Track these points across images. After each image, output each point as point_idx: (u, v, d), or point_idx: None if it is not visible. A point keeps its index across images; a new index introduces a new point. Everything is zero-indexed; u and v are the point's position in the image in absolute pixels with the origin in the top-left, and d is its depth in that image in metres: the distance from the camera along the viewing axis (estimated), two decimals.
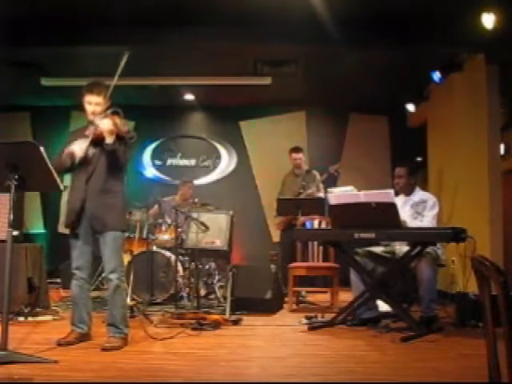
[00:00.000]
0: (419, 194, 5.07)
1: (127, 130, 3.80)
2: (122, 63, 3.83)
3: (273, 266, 5.78)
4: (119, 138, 3.74)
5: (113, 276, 3.85)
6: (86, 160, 3.83)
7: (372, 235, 4.43)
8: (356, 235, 4.50)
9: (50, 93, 7.93)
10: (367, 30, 5.80)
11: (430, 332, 4.31)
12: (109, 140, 3.68)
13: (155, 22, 5.81)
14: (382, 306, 4.95)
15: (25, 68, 6.87)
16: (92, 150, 3.85)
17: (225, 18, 5.69)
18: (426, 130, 7.82)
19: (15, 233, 3.58)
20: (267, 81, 7.45)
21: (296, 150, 7.09)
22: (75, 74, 6.65)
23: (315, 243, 6.12)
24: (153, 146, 9.23)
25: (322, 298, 6.37)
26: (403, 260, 4.62)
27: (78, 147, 3.77)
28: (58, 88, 7.49)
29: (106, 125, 3.66)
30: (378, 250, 4.98)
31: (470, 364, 3.35)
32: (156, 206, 6.80)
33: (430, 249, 4.51)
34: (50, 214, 8.90)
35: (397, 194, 4.95)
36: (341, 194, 4.98)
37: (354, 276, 4.91)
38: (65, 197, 6.73)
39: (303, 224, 6.36)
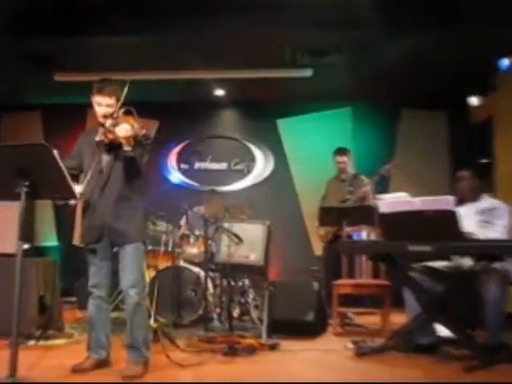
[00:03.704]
0: (487, 201, 4.97)
1: (144, 134, 3.76)
2: (125, 92, 3.86)
3: (315, 283, 5.76)
4: (136, 141, 3.75)
5: (133, 292, 3.87)
6: (99, 169, 3.87)
7: (428, 248, 4.36)
8: (410, 248, 4.44)
9: (63, 89, 8.04)
10: (421, 11, 5.73)
11: (497, 362, 4.22)
12: (127, 147, 3.70)
13: (180, 9, 5.85)
14: (442, 331, 4.87)
15: (35, 62, 6.96)
16: (106, 157, 3.89)
17: (258, 2, 5.70)
18: (491, 126, 7.68)
19: (26, 246, 3.63)
20: (308, 73, 7.44)
21: (340, 152, 7.04)
22: (92, 68, 6.73)
23: (363, 257, 6.07)
24: (179, 148, 9.28)
25: (371, 320, 6.30)
26: (466, 277, 4.54)
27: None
28: (73, 84, 7.58)
29: (123, 131, 3.65)
30: (438, 265, 4.90)
31: None
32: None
33: (497, 264, 4.42)
34: (64, 224, 8.97)
35: (461, 201, 4.87)
36: (393, 201, 4.93)
37: (408, 295, 4.84)
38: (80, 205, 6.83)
39: (349, 235, 6.31)
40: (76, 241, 7.99)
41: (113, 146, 3.83)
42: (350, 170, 7.08)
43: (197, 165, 9.29)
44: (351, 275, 6.13)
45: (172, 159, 9.28)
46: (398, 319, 5.38)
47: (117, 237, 3.89)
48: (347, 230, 6.24)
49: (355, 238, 6.37)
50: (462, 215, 4.36)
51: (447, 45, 6.54)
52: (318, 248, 8.09)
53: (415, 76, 7.44)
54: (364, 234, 6.26)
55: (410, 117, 8.94)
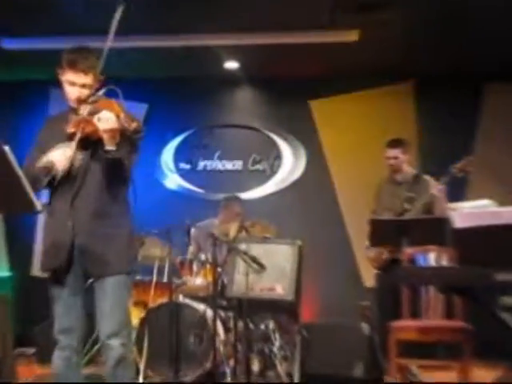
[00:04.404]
0: None
1: (136, 127, 3.65)
2: (116, 19, 3.81)
3: (365, 326, 5.77)
4: (123, 136, 3.66)
5: (115, 342, 3.82)
6: (69, 171, 3.82)
7: None
8: (498, 277, 4.37)
9: (15, 61, 8.11)
10: None
11: None
12: (110, 146, 3.62)
13: None
14: None
15: None
16: (79, 156, 3.84)
17: None
18: None
19: None
20: (353, 36, 7.41)
21: (392, 144, 6.96)
22: (53, 32, 6.75)
23: (431, 289, 6.01)
24: (177, 141, 9.36)
25: (444, 376, 6.24)
26: None
27: (60, 155, 3.73)
28: (28, 53, 7.63)
29: (105, 123, 3.57)
30: None
31: None
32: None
33: None
34: (18, 249, 8.98)
35: None
36: (472, 211, 4.87)
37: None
38: (41, 222, 6.83)
39: (411, 259, 6.25)
40: (37, 269, 7.99)
41: (90, 142, 3.76)
42: (409, 168, 7.00)
43: (202, 164, 9.34)
44: (415, 314, 6.07)
45: (168, 157, 9.32)
46: (484, 375, 5.32)
47: (92, 264, 3.84)
48: (408, 251, 6.18)
49: (420, 262, 6.32)
50: None
51: None
52: (368, 277, 8.07)
53: (504, 37, 7.36)
54: (432, 256, 6.20)
55: (495, 94, 8.90)
